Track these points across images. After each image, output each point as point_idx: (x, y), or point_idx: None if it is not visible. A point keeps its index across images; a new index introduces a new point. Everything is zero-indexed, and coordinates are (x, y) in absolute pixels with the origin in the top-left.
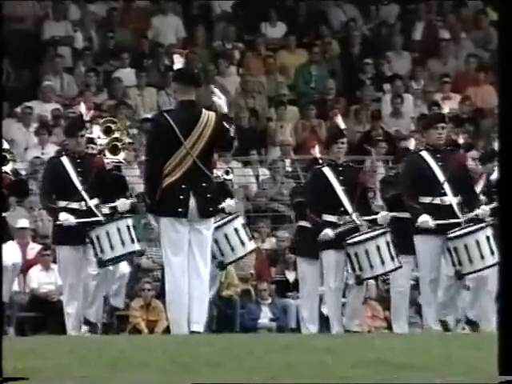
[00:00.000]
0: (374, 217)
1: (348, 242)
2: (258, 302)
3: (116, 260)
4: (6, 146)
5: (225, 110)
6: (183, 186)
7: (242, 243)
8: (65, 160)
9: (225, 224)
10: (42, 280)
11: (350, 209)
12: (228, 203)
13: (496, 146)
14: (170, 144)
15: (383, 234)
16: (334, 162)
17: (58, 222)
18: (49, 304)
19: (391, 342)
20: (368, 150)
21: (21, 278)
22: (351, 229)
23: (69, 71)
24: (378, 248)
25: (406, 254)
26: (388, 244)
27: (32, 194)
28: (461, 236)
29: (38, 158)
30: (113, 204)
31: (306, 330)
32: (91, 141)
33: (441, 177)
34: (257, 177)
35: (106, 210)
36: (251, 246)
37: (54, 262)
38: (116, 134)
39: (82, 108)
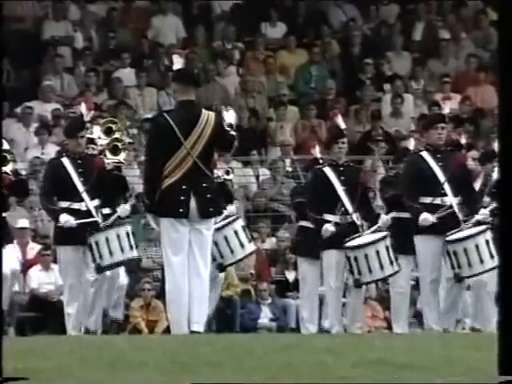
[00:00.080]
0: (376, 226)
1: (348, 245)
2: (258, 302)
3: (114, 266)
4: (6, 146)
5: (232, 122)
6: (184, 187)
7: (242, 245)
8: (65, 161)
9: (225, 226)
10: (41, 280)
11: (350, 209)
12: (229, 209)
13: (496, 146)
14: (170, 144)
15: (383, 238)
16: (335, 162)
17: (58, 224)
18: (49, 304)
19: (391, 341)
20: (370, 149)
21: (21, 278)
22: (351, 229)
23: (69, 71)
24: (378, 253)
25: (406, 255)
26: (387, 249)
27: (32, 194)
28: (460, 240)
29: (37, 158)
30: (116, 213)
31: (305, 330)
32: (92, 141)
33: (441, 177)
34: (257, 177)
35: (106, 210)
36: (251, 248)
37: (54, 261)
38: (116, 135)
39: (83, 108)
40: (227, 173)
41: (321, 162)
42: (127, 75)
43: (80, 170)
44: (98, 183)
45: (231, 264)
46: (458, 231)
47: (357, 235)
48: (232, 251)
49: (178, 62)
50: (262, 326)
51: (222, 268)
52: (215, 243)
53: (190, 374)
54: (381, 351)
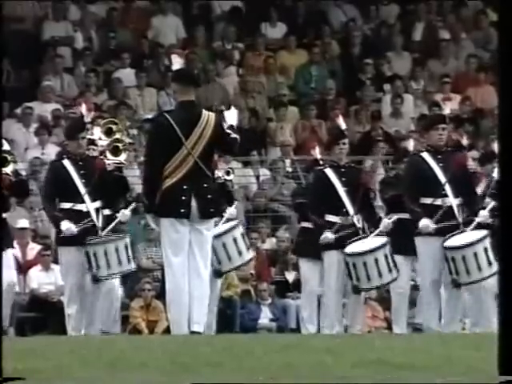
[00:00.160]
0: (378, 230)
1: (347, 252)
2: (258, 302)
3: (110, 277)
4: (6, 146)
5: (233, 123)
6: (185, 187)
7: (240, 253)
8: (67, 163)
9: (224, 233)
10: (41, 280)
11: (351, 210)
12: (230, 212)
13: (495, 146)
14: (171, 144)
15: (382, 246)
16: (336, 163)
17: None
18: (49, 304)
19: (391, 341)
20: (370, 149)
21: (21, 279)
22: (352, 231)
23: (69, 71)
24: (376, 261)
25: (406, 255)
26: (386, 257)
27: (32, 194)
28: (459, 248)
29: (37, 158)
30: (117, 218)
31: (305, 330)
32: (92, 142)
33: (442, 178)
34: (257, 177)
35: (108, 212)
36: (248, 255)
37: (54, 262)
38: (117, 135)
39: (83, 109)
40: (227, 173)
41: (321, 162)
42: (127, 75)
43: (81, 172)
44: (99, 184)
45: (228, 271)
46: (458, 233)
47: (357, 238)
48: (230, 258)
49: (176, 62)
50: (262, 327)
51: (219, 274)
52: (213, 249)
53: (190, 374)
54: (381, 351)
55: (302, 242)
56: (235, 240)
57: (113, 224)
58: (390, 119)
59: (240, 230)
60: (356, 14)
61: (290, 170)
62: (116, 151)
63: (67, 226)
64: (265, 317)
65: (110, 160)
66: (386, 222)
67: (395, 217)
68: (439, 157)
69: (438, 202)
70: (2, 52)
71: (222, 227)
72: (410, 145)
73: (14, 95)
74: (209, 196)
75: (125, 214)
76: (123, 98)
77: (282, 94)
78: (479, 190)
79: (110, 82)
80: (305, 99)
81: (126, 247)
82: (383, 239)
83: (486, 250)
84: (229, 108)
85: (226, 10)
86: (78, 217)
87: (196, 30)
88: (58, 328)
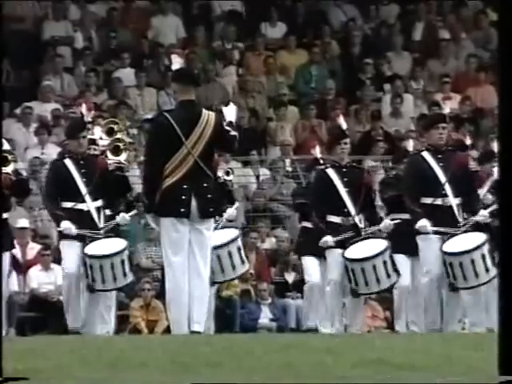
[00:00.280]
0: (377, 227)
1: (346, 256)
2: (258, 302)
3: (104, 291)
4: (6, 146)
5: (232, 119)
6: (185, 187)
7: (234, 267)
8: (68, 162)
9: (220, 247)
10: (41, 280)
11: (353, 211)
12: (229, 213)
13: (495, 146)
14: (171, 144)
15: (381, 253)
16: (338, 163)
17: (59, 229)
18: (49, 304)
19: (391, 341)
20: (370, 149)
21: (21, 278)
22: (354, 232)
23: (69, 71)
24: (375, 267)
25: (406, 255)
26: (385, 263)
27: (32, 194)
28: (456, 254)
29: (37, 158)
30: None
31: (306, 328)
32: (93, 142)
33: (442, 177)
34: (257, 177)
35: (107, 211)
36: (243, 269)
37: (54, 261)
38: (118, 135)
39: (83, 109)
40: (227, 173)
41: (322, 162)
42: (127, 75)
43: (83, 171)
44: (100, 184)
45: (221, 282)
46: (457, 233)
47: (358, 239)
48: (223, 270)
49: (176, 62)
50: (262, 326)
51: (211, 283)
52: None
53: (190, 373)
54: (381, 351)
55: (304, 242)
56: (230, 254)
57: (111, 226)
58: (389, 119)
59: (237, 243)
60: (356, 14)
61: (289, 169)
62: (116, 151)
63: (67, 226)
64: (265, 317)
65: (111, 160)
66: (388, 222)
67: (396, 217)
68: (439, 156)
69: (438, 201)
70: (2, 52)
71: (219, 239)
72: (410, 144)
73: (14, 95)
74: (209, 196)
75: (125, 217)
76: (123, 97)
77: (282, 94)
78: (484, 189)
79: (110, 82)
80: (305, 99)
81: (123, 262)
82: (382, 244)
83: (483, 256)
84: (228, 104)
85: (226, 9)
86: (79, 216)
87: (196, 29)
88: (58, 328)
